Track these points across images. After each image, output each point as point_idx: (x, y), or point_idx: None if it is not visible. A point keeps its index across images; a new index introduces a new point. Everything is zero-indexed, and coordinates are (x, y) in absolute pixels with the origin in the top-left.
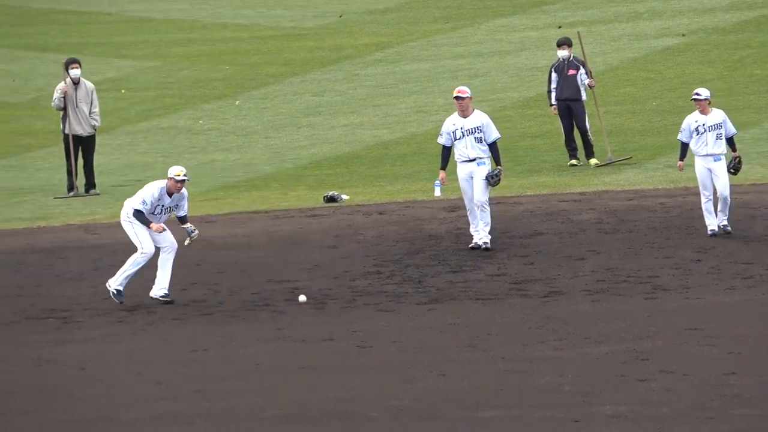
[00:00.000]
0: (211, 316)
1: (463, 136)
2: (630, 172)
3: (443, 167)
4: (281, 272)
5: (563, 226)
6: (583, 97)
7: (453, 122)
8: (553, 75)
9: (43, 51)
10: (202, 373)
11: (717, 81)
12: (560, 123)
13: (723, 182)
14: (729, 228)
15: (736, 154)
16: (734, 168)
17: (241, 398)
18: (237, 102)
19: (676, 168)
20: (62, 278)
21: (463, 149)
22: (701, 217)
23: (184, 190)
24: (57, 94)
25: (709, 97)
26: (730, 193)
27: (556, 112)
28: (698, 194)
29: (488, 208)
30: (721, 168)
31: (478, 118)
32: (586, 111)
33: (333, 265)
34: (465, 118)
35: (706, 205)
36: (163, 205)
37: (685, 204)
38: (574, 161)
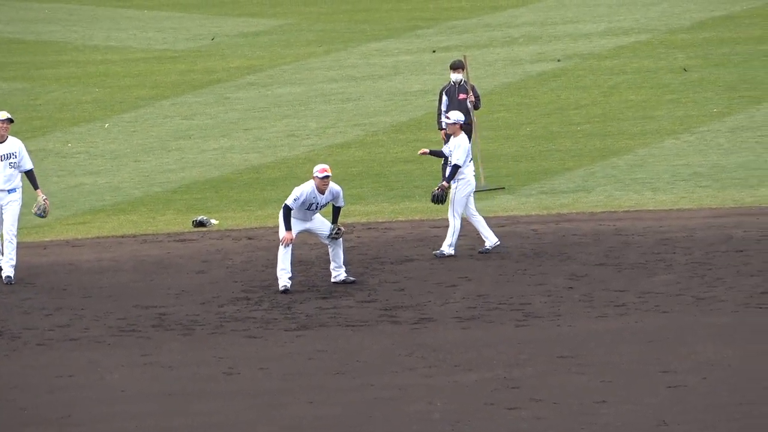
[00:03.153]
0: (76, 342)
1: (317, 209)
2: (503, 198)
3: (290, 228)
4: (148, 297)
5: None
6: (474, 120)
7: (314, 195)
8: (444, 98)
9: None
10: (67, 400)
11: (592, 106)
12: (444, 147)
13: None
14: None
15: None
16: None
17: (106, 425)
18: (106, 125)
19: (550, 194)
20: None
21: (309, 218)
22: (575, 244)
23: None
24: None
25: (459, 121)
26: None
27: (444, 136)
28: (570, 221)
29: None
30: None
31: (335, 190)
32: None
33: (201, 290)
34: (323, 194)
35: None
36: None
37: (558, 231)
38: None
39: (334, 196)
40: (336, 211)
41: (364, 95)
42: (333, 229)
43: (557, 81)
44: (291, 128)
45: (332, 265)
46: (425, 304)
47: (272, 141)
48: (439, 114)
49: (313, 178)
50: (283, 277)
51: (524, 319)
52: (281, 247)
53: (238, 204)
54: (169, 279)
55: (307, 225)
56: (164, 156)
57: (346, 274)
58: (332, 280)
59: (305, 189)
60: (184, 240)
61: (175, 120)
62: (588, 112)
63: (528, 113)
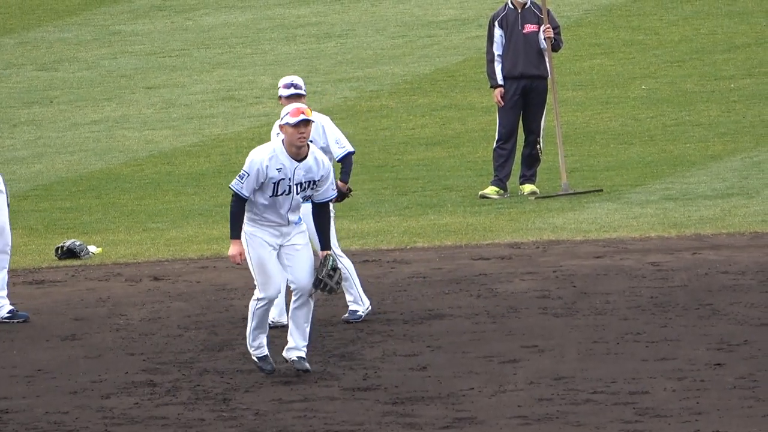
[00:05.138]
0: None
1: (293, 191)
2: (600, 207)
3: (238, 235)
4: None
5: (479, 302)
6: (549, 72)
7: (282, 164)
8: (497, 32)
9: None
10: None
11: (755, 47)
12: (499, 117)
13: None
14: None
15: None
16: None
17: None
18: None
19: (681, 201)
20: None
21: (285, 218)
22: (725, 288)
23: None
24: None
25: (299, 91)
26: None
27: (501, 98)
28: (716, 249)
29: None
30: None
31: (320, 159)
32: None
33: (71, 369)
34: (300, 161)
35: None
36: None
37: (695, 265)
38: (493, 191)
39: (321, 173)
40: (321, 218)
41: (355, 28)
42: (327, 264)
43: (693, 2)
44: (228, 85)
45: (290, 328)
46: (464, 393)
47: (196, 108)
48: (491, 61)
49: (281, 128)
50: (262, 344)
51: (638, 420)
52: (256, 295)
53: (136, 219)
54: (16, 350)
55: (285, 238)
56: (7, 134)
57: (301, 354)
58: (284, 353)
59: (264, 154)
60: (42, 282)
61: (26, 71)
62: (748, 56)
63: (643, 59)
